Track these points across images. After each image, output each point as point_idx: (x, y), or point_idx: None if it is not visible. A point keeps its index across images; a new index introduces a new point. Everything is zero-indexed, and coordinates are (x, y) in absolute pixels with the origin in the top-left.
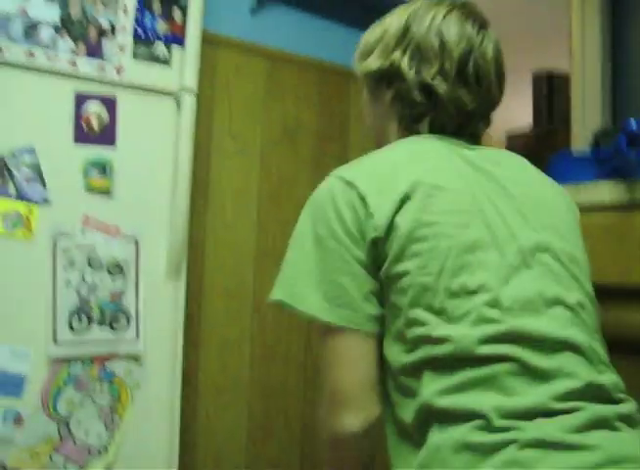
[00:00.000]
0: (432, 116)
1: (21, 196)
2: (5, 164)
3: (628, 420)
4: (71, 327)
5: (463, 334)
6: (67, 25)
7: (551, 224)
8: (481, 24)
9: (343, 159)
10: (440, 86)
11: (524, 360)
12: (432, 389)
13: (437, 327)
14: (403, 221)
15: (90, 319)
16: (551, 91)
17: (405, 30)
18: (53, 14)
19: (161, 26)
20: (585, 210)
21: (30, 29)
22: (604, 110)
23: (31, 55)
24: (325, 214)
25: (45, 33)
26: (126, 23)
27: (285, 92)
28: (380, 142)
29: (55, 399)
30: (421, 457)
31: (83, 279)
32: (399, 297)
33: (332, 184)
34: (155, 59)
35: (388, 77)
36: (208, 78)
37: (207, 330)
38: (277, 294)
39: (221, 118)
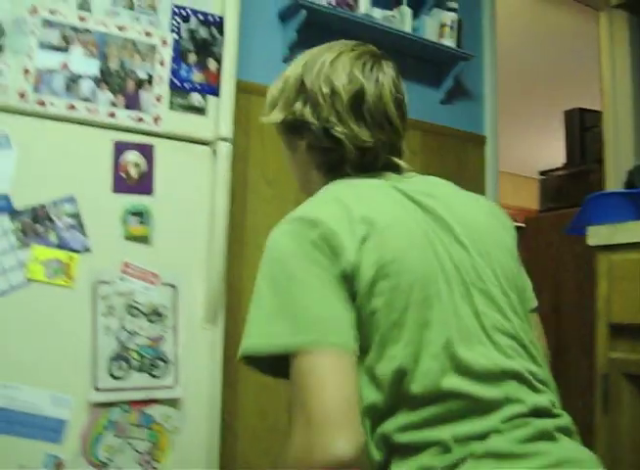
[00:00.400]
0: (343, 157)
1: (61, 244)
2: (46, 213)
3: (566, 431)
4: (111, 373)
5: (427, 368)
6: (106, 78)
7: (487, 250)
8: (373, 60)
9: None
10: (337, 128)
11: (473, 395)
12: (392, 425)
13: (405, 362)
14: (367, 261)
15: (129, 365)
16: (584, 128)
17: (301, 81)
18: (93, 67)
19: (197, 77)
20: (622, 248)
21: (72, 83)
22: (637, 148)
23: (72, 107)
24: (299, 249)
25: (85, 86)
26: (163, 74)
27: None
28: (306, 189)
29: (95, 445)
30: None
31: (122, 326)
32: (371, 332)
33: (294, 225)
34: (191, 108)
35: (296, 128)
36: (243, 126)
37: (245, 374)
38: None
39: (256, 165)
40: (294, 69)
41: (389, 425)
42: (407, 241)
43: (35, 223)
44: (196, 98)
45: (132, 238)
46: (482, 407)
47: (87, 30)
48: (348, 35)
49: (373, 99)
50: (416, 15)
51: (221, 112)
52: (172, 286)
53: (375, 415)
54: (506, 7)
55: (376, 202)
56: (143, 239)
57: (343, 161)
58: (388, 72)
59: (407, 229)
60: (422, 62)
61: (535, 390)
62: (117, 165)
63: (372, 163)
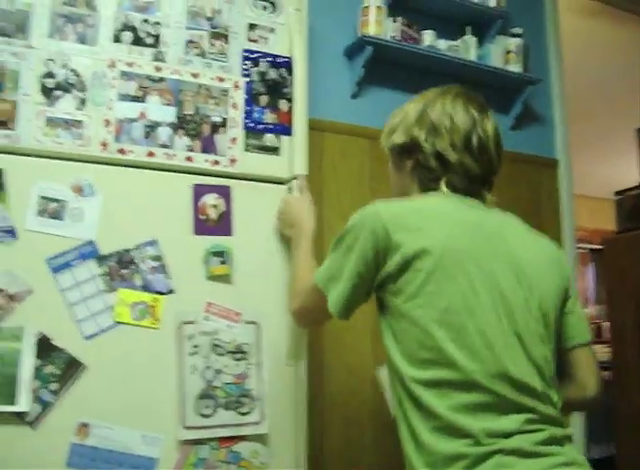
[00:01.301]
0: (445, 178)
1: (146, 287)
2: (131, 257)
3: (569, 439)
4: (199, 411)
5: (466, 365)
6: (182, 124)
7: (538, 286)
8: (482, 107)
9: None
10: (451, 155)
11: (505, 396)
12: (443, 404)
13: (447, 354)
14: (424, 265)
15: (216, 403)
16: None
17: (422, 113)
18: (170, 115)
19: (269, 118)
20: None
21: (150, 131)
22: None
23: (152, 154)
24: (364, 234)
25: (163, 133)
26: (236, 117)
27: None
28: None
29: None
30: (426, 459)
31: (208, 364)
32: (410, 325)
33: (368, 217)
34: (265, 149)
35: (408, 149)
36: (316, 162)
37: (329, 408)
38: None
39: (331, 201)
40: (413, 105)
41: (437, 403)
42: (463, 261)
43: (121, 267)
44: (269, 138)
45: (214, 278)
46: (508, 408)
47: (162, 79)
48: (415, 68)
49: (482, 138)
50: (480, 43)
51: (295, 151)
52: (255, 323)
53: (419, 390)
54: (567, 26)
55: (451, 223)
56: (225, 278)
57: (441, 180)
58: (492, 119)
59: (465, 251)
60: (489, 89)
61: (546, 404)
62: (197, 208)
63: (466, 187)
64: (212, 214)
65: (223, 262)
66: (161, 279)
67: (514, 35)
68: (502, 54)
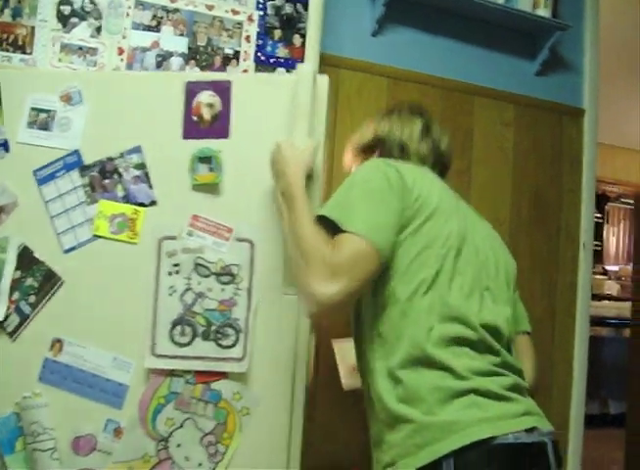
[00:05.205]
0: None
1: (128, 198)
2: (114, 166)
3: (528, 391)
4: (173, 339)
5: (455, 296)
6: (194, 55)
7: (502, 256)
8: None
9: (467, 175)
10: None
11: (483, 335)
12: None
13: (440, 286)
14: (428, 208)
15: (195, 331)
16: None
17: (382, 119)
18: (182, 45)
19: (282, 52)
20: None
21: (162, 60)
22: None
23: None
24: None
25: (175, 63)
26: (249, 50)
27: None
28: None
29: (154, 416)
30: (400, 393)
31: (189, 286)
32: (410, 251)
33: (386, 167)
34: None
35: (373, 146)
36: (331, 98)
37: (323, 346)
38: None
39: (343, 138)
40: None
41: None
42: (448, 212)
43: (103, 177)
44: (280, 73)
45: (201, 187)
46: (484, 347)
47: (177, 10)
48: (438, 8)
49: (434, 136)
50: None
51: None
52: (249, 242)
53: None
54: None
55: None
56: (213, 188)
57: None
58: (438, 126)
59: (449, 205)
60: (515, 33)
61: (510, 352)
62: (189, 108)
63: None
64: (206, 115)
65: (211, 169)
66: (144, 189)
67: None
68: None
